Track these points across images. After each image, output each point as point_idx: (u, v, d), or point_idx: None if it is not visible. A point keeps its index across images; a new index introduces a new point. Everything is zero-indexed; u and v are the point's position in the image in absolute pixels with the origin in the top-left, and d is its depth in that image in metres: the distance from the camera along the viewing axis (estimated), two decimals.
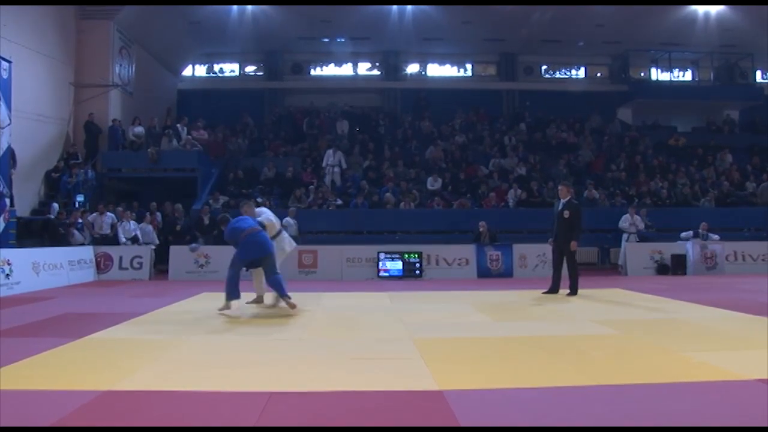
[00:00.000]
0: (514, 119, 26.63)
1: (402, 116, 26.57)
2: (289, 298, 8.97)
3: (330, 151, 20.68)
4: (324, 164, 20.53)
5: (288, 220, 16.50)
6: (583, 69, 29.69)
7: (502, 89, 28.80)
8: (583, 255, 16.27)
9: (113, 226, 16.38)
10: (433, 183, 20.25)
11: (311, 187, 19.76)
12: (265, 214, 9.58)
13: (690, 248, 16.51)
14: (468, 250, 16.09)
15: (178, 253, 15.55)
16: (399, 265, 15.63)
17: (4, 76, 13.66)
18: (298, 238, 14.83)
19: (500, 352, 6.17)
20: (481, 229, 16.68)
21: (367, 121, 25.94)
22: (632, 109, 28.63)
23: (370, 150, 22.85)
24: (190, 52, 27.04)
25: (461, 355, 6.00)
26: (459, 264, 15.92)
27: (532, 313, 9.04)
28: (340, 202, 19.17)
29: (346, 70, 29.06)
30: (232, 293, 8.83)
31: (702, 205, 19.85)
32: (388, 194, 19.06)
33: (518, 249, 16.10)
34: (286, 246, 9.74)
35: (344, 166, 20.82)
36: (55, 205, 16.40)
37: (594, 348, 6.27)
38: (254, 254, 8.82)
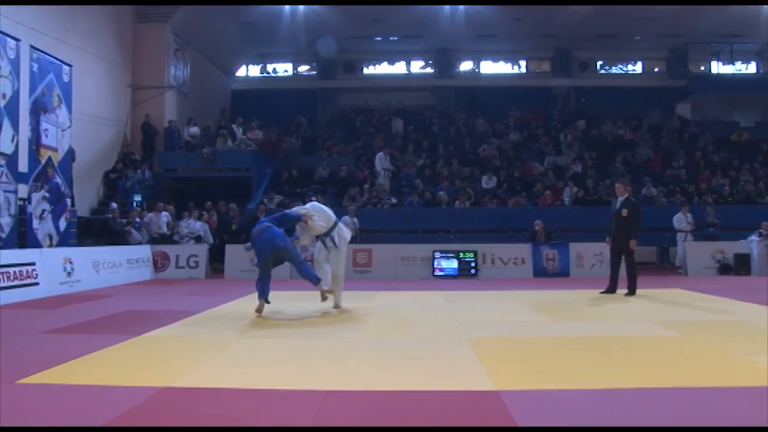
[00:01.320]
0: (569, 116, 26.21)
1: (456, 114, 26.45)
2: (321, 282, 8.82)
3: (380, 155, 20.69)
4: (377, 168, 20.55)
5: (346, 218, 16.60)
6: (640, 63, 28.99)
7: (556, 86, 28.38)
8: (641, 254, 15.87)
9: (169, 225, 16.75)
10: (488, 181, 20.09)
11: (365, 186, 19.82)
12: (305, 207, 9.31)
13: (754, 247, 15.95)
14: (523, 249, 15.92)
15: (233, 252, 15.76)
16: (454, 264, 15.54)
17: (66, 79, 14.07)
18: (358, 237, 14.94)
19: (556, 352, 6.06)
20: (536, 228, 16.47)
21: (421, 120, 25.90)
22: (691, 104, 27.83)
23: (424, 148, 22.81)
24: (244, 52, 27.44)
25: (517, 355, 5.92)
26: (514, 263, 15.76)
27: (589, 314, 8.87)
28: (394, 200, 19.19)
29: (399, 68, 29.08)
30: (260, 292, 8.78)
31: (767, 203, 19.18)
32: (442, 193, 18.99)
33: (575, 248, 15.84)
34: (345, 234, 9.33)
35: (391, 168, 20.76)
36: (114, 205, 16.88)
37: (653, 350, 6.10)
38: (266, 251, 8.72)
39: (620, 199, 11.07)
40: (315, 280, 8.83)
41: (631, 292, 10.86)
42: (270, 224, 8.87)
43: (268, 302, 8.80)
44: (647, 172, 21.24)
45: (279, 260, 8.99)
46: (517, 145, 23.19)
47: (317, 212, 9.19)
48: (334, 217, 9.35)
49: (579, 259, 15.74)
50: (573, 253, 15.79)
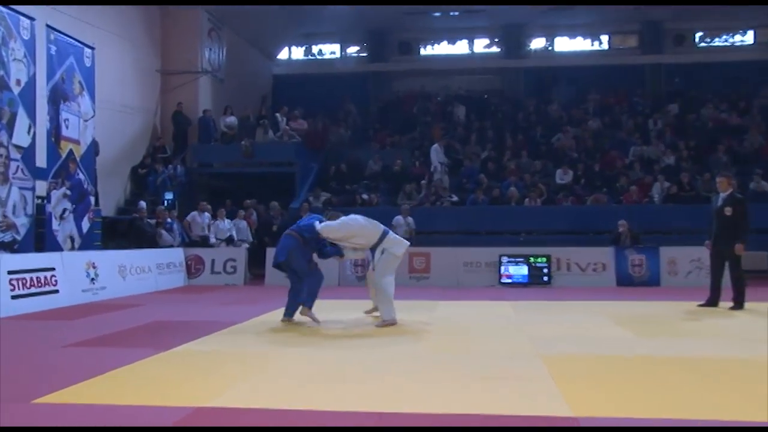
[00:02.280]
0: (659, 99, 25.63)
1: (525, 99, 26.19)
2: (311, 311, 9.10)
3: (435, 147, 20.59)
4: (433, 162, 20.45)
5: (398, 219, 16.59)
6: (750, 33, 27.84)
7: (645, 64, 27.70)
8: (749, 260, 15.36)
9: (208, 227, 17.09)
10: (563, 176, 19.81)
11: (423, 181, 19.78)
12: (331, 225, 9.11)
13: None
14: (605, 254, 15.68)
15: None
16: (524, 270, 15.42)
17: (87, 64, 14.26)
18: (413, 239, 14.89)
19: (645, 374, 5.92)
20: (620, 229, 16.18)
21: (486, 106, 25.75)
22: None
23: (489, 139, 22.66)
24: (286, 33, 27.68)
25: (598, 377, 5.81)
26: (594, 269, 15.55)
27: (684, 330, 8.64)
28: (455, 198, 19.09)
29: (461, 48, 28.97)
30: (286, 307, 9.38)
31: None
32: (512, 189, 18.79)
33: (666, 252, 15.49)
34: (395, 249, 9.06)
35: (446, 162, 20.62)
36: (142, 204, 17.22)
37: (764, 374, 5.89)
38: (275, 260, 9.38)
39: (722, 195, 10.74)
40: (305, 301, 9.13)
41: (738, 305, 10.52)
42: (292, 232, 9.17)
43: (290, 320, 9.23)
44: (758, 162, 20.50)
45: (284, 270, 9.45)
46: (598, 133, 22.79)
47: (350, 229, 8.99)
48: (379, 228, 9.09)
49: (671, 266, 15.39)
50: (664, 258, 15.44)
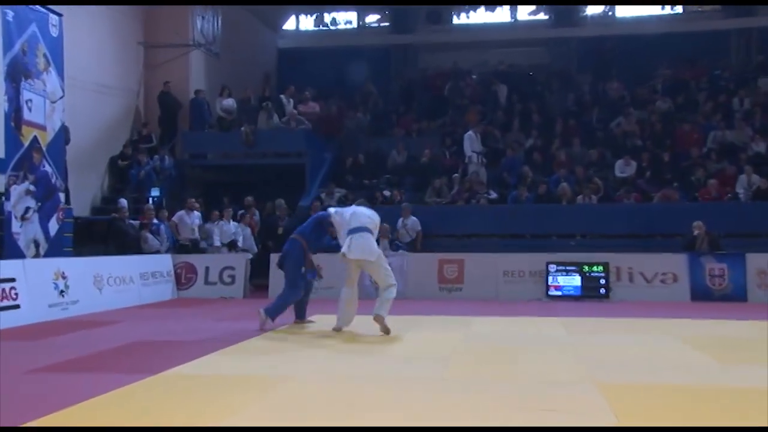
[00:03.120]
0: (747, 73, 25.18)
1: (579, 76, 25.95)
2: (271, 321, 10.45)
3: (470, 134, 20.45)
4: (466, 152, 20.34)
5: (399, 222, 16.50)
6: None
7: (729, 29, 27.05)
8: None
9: (199, 228, 17.12)
10: (624, 168, 19.61)
11: (455, 175, 19.70)
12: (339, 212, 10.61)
13: None
14: (676, 262, 15.53)
15: None
16: (576, 280, 15.34)
17: (54, 33, 13.97)
18: (419, 243, 14.91)
19: (731, 409, 5.82)
20: (696, 232, 16.03)
21: (531, 85, 25.57)
22: None
23: (534, 124, 22.50)
24: None
25: (670, 411, 5.72)
26: (663, 280, 15.41)
27: None
28: (494, 195, 18.99)
29: (502, 16, 28.80)
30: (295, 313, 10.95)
31: None
32: (563, 185, 18.63)
33: (754, 261, 15.29)
34: (344, 250, 10.04)
35: (482, 151, 20.50)
36: (123, 201, 17.19)
37: None
38: (278, 261, 10.91)
39: None
40: (268, 308, 10.49)
41: None
42: (296, 236, 10.63)
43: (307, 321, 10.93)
44: None
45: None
46: (668, 116, 22.52)
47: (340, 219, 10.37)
48: (347, 223, 10.20)
49: (761, 277, 15.21)
50: (751, 267, 15.26)
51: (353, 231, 10.05)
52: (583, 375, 7.10)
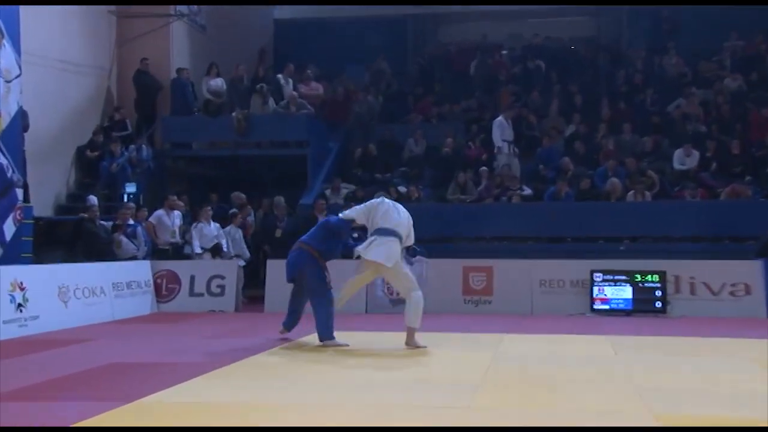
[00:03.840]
0: None
1: (630, 50, 25.75)
2: (333, 339, 10.62)
3: (500, 120, 20.35)
4: (495, 141, 20.24)
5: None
6: None
7: None
8: None
9: (180, 229, 17.08)
10: (685, 159, 19.50)
11: (482, 168, 19.65)
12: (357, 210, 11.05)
13: None
14: (748, 270, 15.41)
15: (278, 270, 15.79)
16: (626, 292, 15.22)
17: None
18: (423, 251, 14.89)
19: None
20: None
21: (573, 61, 25.42)
22: None
23: (576, 107, 22.40)
24: None
25: None
26: (732, 292, 15.27)
27: None
28: (528, 191, 18.92)
29: None
30: (286, 319, 11.36)
31: None
32: (615, 180, 18.52)
33: None
34: (360, 250, 10.55)
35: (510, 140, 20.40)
36: (93, 199, 17.12)
37: None
38: (287, 275, 11.05)
39: None
40: (323, 333, 10.63)
41: None
42: (303, 245, 10.93)
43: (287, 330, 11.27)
44: None
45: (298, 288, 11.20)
46: (738, 96, 22.31)
47: (370, 211, 10.80)
48: (377, 220, 10.63)
49: None
50: None
51: (381, 232, 10.42)
52: (637, 405, 7.06)
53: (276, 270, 15.83)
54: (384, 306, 15.61)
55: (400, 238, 10.40)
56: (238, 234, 17.29)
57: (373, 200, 11.08)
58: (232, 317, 15.02)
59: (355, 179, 20.10)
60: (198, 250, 16.70)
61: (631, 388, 7.80)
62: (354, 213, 10.95)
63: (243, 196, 18.70)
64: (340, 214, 11.15)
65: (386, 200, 11.00)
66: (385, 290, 15.67)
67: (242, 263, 16.75)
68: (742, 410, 6.88)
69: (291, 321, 11.32)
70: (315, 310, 10.76)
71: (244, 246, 17.29)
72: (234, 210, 17.97)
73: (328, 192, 19.09)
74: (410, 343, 10.32)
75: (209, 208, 17.41)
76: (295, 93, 21.47)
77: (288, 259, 11.05)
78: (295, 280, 10.94)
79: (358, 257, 10.53)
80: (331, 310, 10.68)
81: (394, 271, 10.34)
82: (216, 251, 16.82)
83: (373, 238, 10.35)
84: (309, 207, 18.07)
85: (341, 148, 21.85)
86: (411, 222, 10.75)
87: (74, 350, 10.53)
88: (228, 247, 17.01)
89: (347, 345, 10.47)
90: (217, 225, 17.14)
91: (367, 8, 27.89)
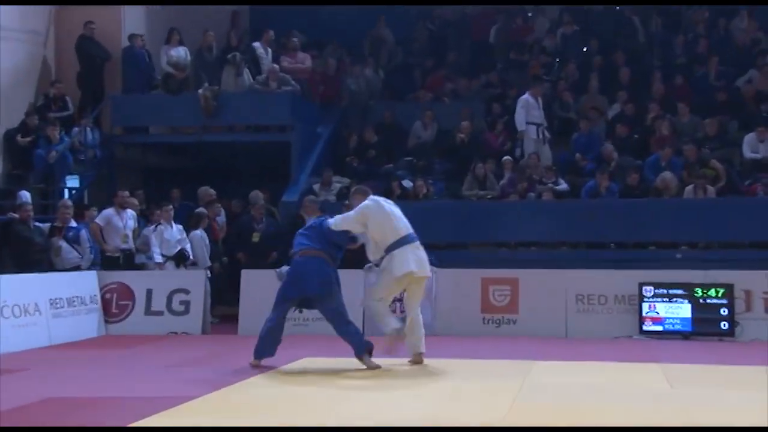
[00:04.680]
0: None
1: (690, 11, 25.59)
2: (369, 357, 11.06)
3: (525, 98, 20.27)
4: (518, 125, 20.17)
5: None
6: None
7: None
8: None
9: (134, 233, 16.92)
10: (758, 145, 19.43)
11: (505, 158, 19.63)
12: (344, 216, 11.53)
13: None
14: None
15: (255, 282, 15.81)
16: (684, 309, 15.16)
17: None
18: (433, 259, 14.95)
19: None
20: None
21: (618, 26, 25.32)
22: None
23: (621, 83, 22.35)
24: None
25: None
26: None
27: None
28: (563, 185, 18.85)
29: None
30: (260, 347, 11.34)
31: None
32: (670, 175, 18.47)
33: None
34: (395, 268, 11.13)
35: (542, 125, 20.31)
36: (26, 195, 17.13)
37: None
38: (294, 291, 11.25)
39: None
40: (359, 350, 11.03)
41: None
42: (317, 252, 11.22)
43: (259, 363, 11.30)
44: None
45: (307, 305, 11.64)
46: None
47: (368, 215, 11.21)
48: (400, 227, 11.32)
49: None
50: None
51: (408, 240, 11.24)
52: None
53: (253, 283, 15.86)
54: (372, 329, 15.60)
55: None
56: (203, 238, 17.19)
57: (364, 203, 11.41)
58: (199, 341, 15.02)
59: (349, 171, 20.11)
60: (158, 259, 16.63)
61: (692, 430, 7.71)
62: (345, 223, 11.29)
63: (212, 191, 18.64)
64: (330, 223, 11.38)
65: (377, 198, 11.58)
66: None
67: (208, 274, 16.70)
68: None
69: (269, 347, 11.39)
70: (346, 327, 11.19)
71: (205, 253, 17.19)
72: (201, 209, 17.87)
73: (316, 187, 19.06)
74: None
75: (171, 207, 17.32)
76: (275, 66, 21.40)
77: (302, 269, 11.22)
78: (309, 297, 11.25)
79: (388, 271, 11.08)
80: (354, 327, 11.43)
81: (423, 284, 11.10)
82: (180, 260, 16.76)
83: (403, 249, 10.98)
84: (293, 205, 18.01)
85: (333, 133, 21.89)
86: None
87: (2, 383, 10.40)
88: (195, 255, 17.02)
89: (379, 367, 10.95)
90: (180, 227, 17.05)
91: None
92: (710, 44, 23.57)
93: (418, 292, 11.58)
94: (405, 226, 11.33)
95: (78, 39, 20.87)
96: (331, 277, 11.13)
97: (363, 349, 11.00)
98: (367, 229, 11.22)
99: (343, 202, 16.56)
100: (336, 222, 11.29)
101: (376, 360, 11.08)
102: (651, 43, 24.52)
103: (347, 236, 11.41)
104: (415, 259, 11.13)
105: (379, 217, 11.22)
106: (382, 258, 11.26)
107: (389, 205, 11.52)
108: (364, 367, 11.05)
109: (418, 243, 11.30)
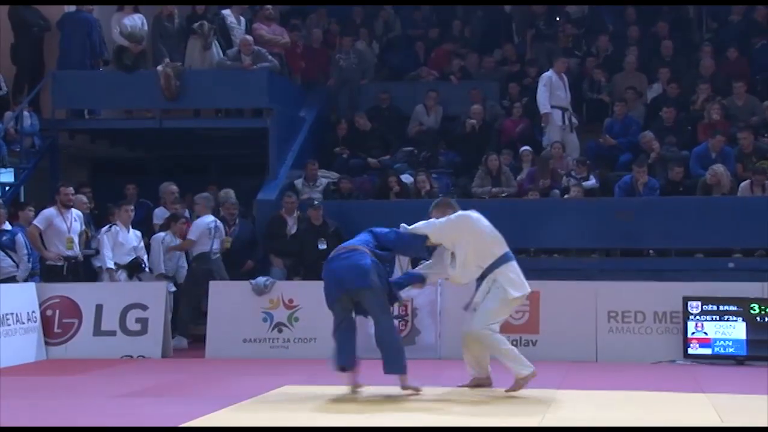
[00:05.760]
0: None
1: None
2: (403, 373, 11.18)
3: (548, 75, 20.30)
4: (541, 107, 20.18)
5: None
6: None
7: None
8: None
9: (83, 236, 16.93)
10: None
11: (524, 148, 19.66)
12: (431, 222, 11.47)
13: None
14: None
15: (226, 296, 15.88)
16: (738, 330, 15.15)
17: None
18: None
19: None
20: None
21: None
22: None
23: (663, 58, 22.38)
24: None
25: None
26: None
27: None
28: (592, 181, 18.89)
29: None
30: (336, 356, 11.30)
31: None
32: (716, 166, 18.47)
33: None
34: (511, 288, 11.47)
35: (567, 109, 20.33)
36: None
37: None
38: (332, 290, 11.26)
39: None
40: (400, 367, 11.11)
41: None
42: (361, 247, 11.26)
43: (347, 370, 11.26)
44: None
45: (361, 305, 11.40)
46: None
47: (459, 229, 11.38)
48: (500, 243, 11.68)
49: None
50: None
51: (510, 257, 11.64)
52: None
53: (223, 296, 15.90)
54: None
55: None
56: (162, 244, 17.20)
57: (463, 212, 11.64)
58: (159, 366, 15.03)
59: (338, 164, 20.19)
60: (109, 264, 16.62)
61: None
62: (430, 228, 11.41)
63: (175, 188, 18.67)
64: (406, 227, 11.59)
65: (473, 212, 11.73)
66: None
67: (171, 288, 16.71)
68: None
69: (344, 356, 11.37)
70: (389, 335, 11.35)
71: (161, 261, 17.20)
72: (159, 209, 17.88)
73: (299, 182, 19.10)
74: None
75: (129, 207, 17.32)
76: (249, 38, 21.37)
77: (339, 264, 11.26)
78: (339, 299, 11.26)
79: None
80: (398, 334, 12.00)
81: None
82: (134, 269, 16.75)
83: (511, 264, 11.49)
84: (272, 204, 18.03)
85: (318, 118, 21.94)
86: None
87: None
88: (152, 261, 17.05)
89: (420, 391, 11.17)
90: (138, 234, 17.01)
91: None
92: None
93: None
94: (503, 241, 11.61)
95: (11, 6, 20.87)
96: (371, 268, 11.02)
97: (402, 367, 11.13)
98: (458, 244, 11.25)
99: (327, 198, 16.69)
100: (418, 226, 11.44)
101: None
102: (699, 11, 24.55)
103: (422, 245, 11.51)
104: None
105: (479, 229, 11.44)
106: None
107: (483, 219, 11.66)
108: (351, 393, 11.20)
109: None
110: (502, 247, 11.55)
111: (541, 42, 23.35)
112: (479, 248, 11.33)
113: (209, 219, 17.11)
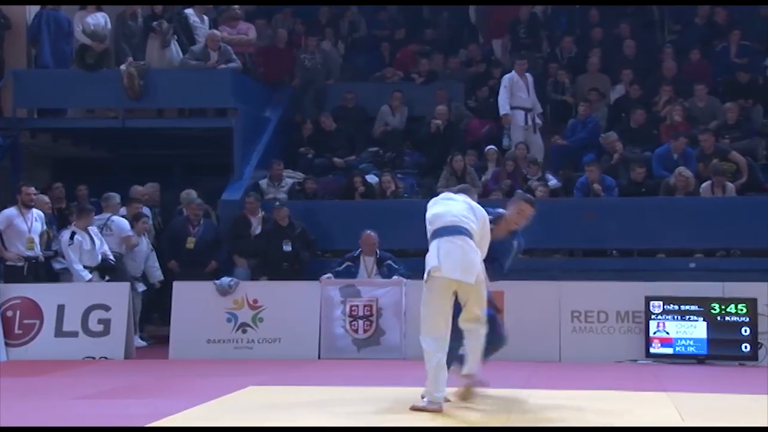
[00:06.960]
0: None
1: None
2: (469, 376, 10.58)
3: (513, 77, 20.35)
4: (501, 108, 20.23)
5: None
6: None
7: None
8: None
9: (44, 237, 16.89)
10: None
11: (489, 148, 19.72)
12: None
13: None
14: None
15: (189, 296, 15.92)
16: (699, 329, 15.28)
17: None
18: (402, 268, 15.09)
19: None
20: None
21: None
22: None
23: (626, 58, 22.46)
24: None
25: None
26: None
27: None
28: (554, 181, 18.95)
29: None
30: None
31: None
32: (680, 169, 18.55)
33: None
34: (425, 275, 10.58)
35: (534, 109, 20.38)
36: None
37: None
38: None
39: None
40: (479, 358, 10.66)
41: None
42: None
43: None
44: None
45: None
46: None
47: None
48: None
49: None
50: None
51: (442, 232, 10.52)
52: None
53: (186, 297, 15.88)
54: (347, 350, 15.64)
55: (469, 234, 10.67)
56: (142, 245, 17.24)
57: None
58: (122, 367, 15.01)
59: (303, 164, 20.19)
60: (86, 275, 16.54)
61: None
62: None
63: (139, 188, 18.66)
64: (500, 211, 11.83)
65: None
66: (348, 327, 15.71)
67: (141, 288, 16.73)
68: None
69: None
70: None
71: (155, 261, 17.23)
72: (124, 208, 17.85)
73: (263, 183, 19.07)
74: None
75: (91, 208, 17.22)
76: (216, 32, 21.30)
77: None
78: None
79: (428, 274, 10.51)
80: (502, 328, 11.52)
81: (476, 290, 10.54)
82: (106, 270, 16.71)
83: (436, 243, 10.54)
84: (236, 204, 18.03)
85: (283, 118, 21.91)
86: (483, 214, 11.12)
87: None
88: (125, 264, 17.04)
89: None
90: (95, 230, 16.83)
91: None
92: (732, 14, 23.62)
93: (466, 299, 10.94)
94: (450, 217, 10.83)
95: None
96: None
97: (469, 368, 10.68)
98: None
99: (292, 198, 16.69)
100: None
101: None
102: (661, 12, 24.64)
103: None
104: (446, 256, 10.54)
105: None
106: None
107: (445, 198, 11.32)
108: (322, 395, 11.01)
109: (459, 237, 10.58)
110: (438, 223, 10.75)
111: (505, 40, 23.42)
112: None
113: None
